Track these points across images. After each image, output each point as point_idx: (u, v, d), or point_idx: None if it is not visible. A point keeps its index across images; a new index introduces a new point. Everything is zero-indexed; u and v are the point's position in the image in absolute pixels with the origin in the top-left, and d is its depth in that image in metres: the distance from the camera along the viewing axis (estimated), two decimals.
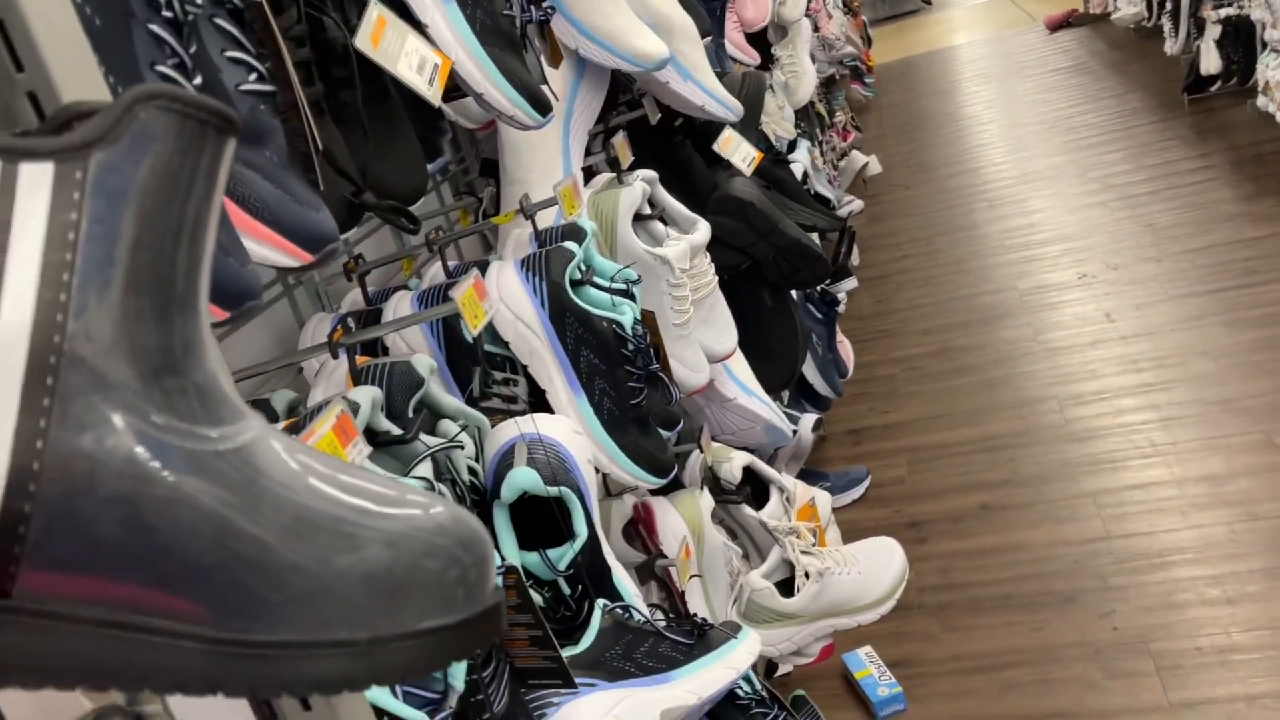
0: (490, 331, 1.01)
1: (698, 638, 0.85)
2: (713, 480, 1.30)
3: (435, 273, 1.09)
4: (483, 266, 1.09)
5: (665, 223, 1.21)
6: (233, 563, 0.33)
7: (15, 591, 0.32)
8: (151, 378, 0.33)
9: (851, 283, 2.34)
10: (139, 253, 0.33)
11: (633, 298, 1.02)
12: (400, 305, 0.99)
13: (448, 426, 0.85)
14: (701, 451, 1.27)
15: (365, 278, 1.07)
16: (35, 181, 0.32)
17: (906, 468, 2.32)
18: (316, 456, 0.37)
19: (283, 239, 0.51)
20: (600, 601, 0.82)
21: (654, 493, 1.28)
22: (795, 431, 1.83)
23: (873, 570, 1.31)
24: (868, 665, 1.74)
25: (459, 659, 0.37)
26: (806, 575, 1.27)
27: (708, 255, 1.20)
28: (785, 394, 1.94)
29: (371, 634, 0.35)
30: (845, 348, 2.28)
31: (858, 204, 3.48)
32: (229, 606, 0.33)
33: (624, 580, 0.87)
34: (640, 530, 1.24)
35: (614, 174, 1.20)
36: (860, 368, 2.60)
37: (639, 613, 0.85)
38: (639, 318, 1.00)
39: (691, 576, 1.13)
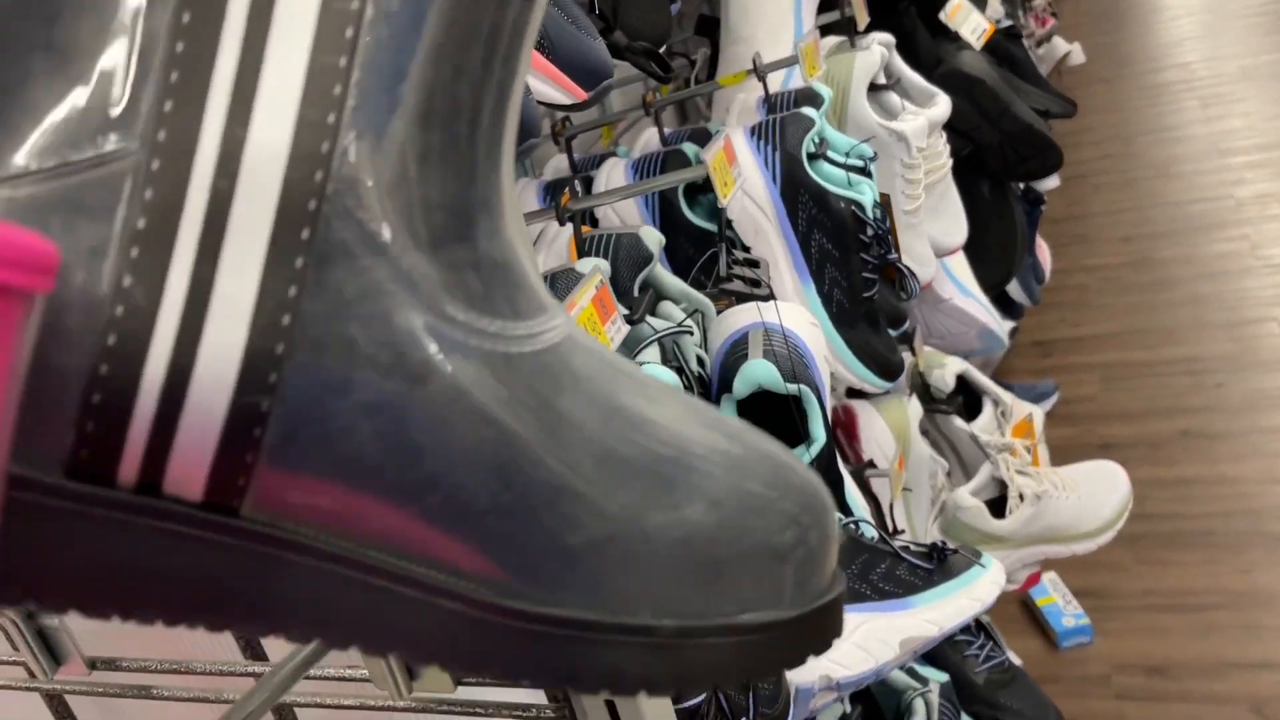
0: (705, 208, 0.92)
1: (937, 562, 0.76)
2: (921, 387, 1.19)
3: (646, 140, 0.99)
4: (697, 135, 0.98)
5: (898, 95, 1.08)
6: (516, 506, 0.25)
7: (244, 509, 0.24)
8: (436, 244, 0.24)
9: (1054, 181, 2.13)
10: (438, 66, 0.24)
11: (870, 176, 0.90)
12: (613, 173, 0.90)
13: (670, 309, 0.76)
14: (913, 355, 1.16)
15: (570, 142, 0.98)
16: None
17: (1099, 385, 2.14)
18: (624, 368, 0.28)
19: (558, 71, 0.42)
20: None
21: (852, 395, 1.18)
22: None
23: (1093, 496, 1.18)
24: (1052, 593, 1.63)
25: (785, 668, 0.27)
26: (1021, 497, 1.15)
27: (944, 135, 1.06)
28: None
29: (680, 622, 0.26)
30: (1044, 252, 2.10)
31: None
32: (506, 564, 0.25)
33: (855, 494, 0.78)
34: (840, 435, 1.15)
35: (843, 37, 1.07)
36: (1051, 275, 2.40)
37: (872, 530, 0.76)
38: (879, 200, 0.88)
39: (902, 490, 1.04)
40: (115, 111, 0.23)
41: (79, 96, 0.23)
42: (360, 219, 0.23)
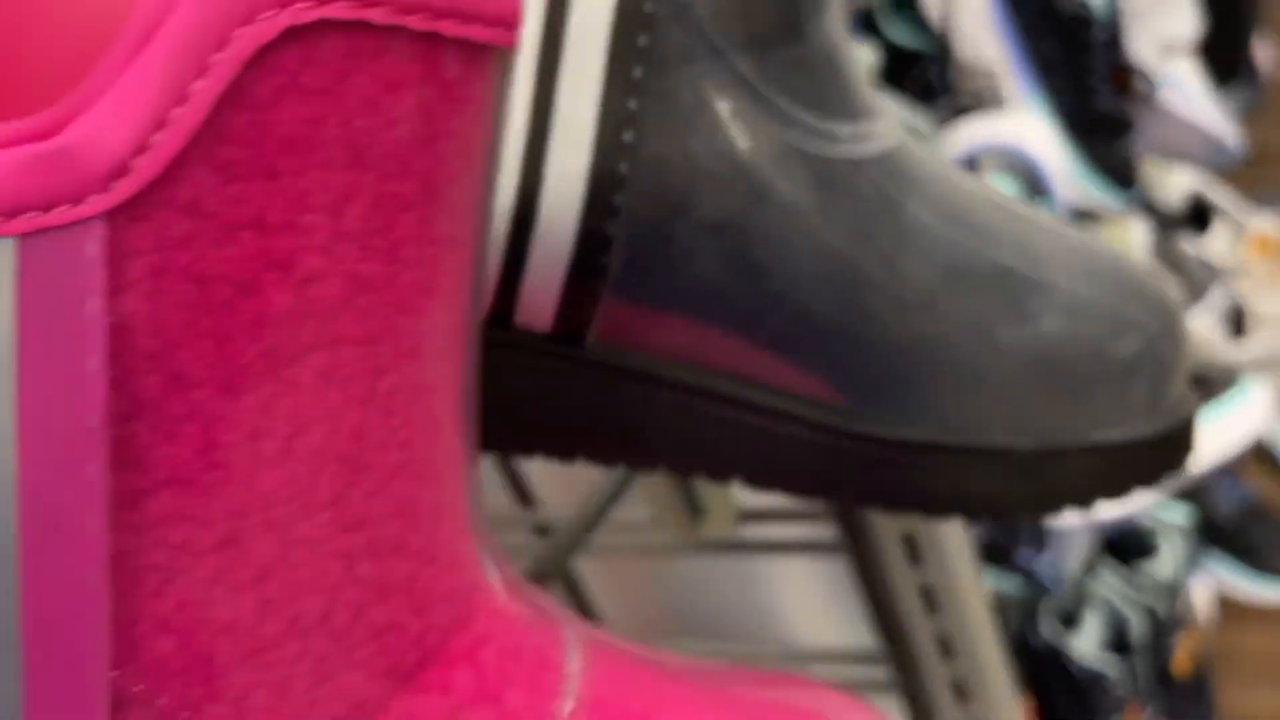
0: (908, 24, 0.85)
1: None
2: (1145, 204, 1.10)
3: None
4: None
5: None
6: (861, 324, 0.24)
7: (590, 339, 0.24)
8: (767, 41, 0.23)
9: None
10: None
11: None
12: None
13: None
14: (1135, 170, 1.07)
15: None
16: None
17: None
18: (958, 174, 0.27)
19: None
20: None
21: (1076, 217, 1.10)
22: None
23: None
24: None
25: (1144, 486, 0.26)
26: (1260, 320, 1.07)
27: None
28: None
29: (1039, 442, 0.25)
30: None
31: None
32: (851, 388, 0.24)
33: None
34: None
35: None
36: None
37: None
38: None
39: None
40: None
41: None
42: (696, 19, 0.22)
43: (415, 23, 0.14)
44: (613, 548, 0.43)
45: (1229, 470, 1.03)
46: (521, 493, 0.45)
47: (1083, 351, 0.25)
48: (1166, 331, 0.26)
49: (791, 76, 0.23)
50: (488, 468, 0.48)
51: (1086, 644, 0.79)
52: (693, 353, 0.24)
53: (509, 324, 0.24)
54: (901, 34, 0.84)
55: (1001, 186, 0.66)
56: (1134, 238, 1.04)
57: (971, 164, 0.69)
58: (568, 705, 0.17)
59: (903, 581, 0.40)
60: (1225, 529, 0.97)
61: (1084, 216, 1.05)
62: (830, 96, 0.24)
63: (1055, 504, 0.26)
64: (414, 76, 0.14)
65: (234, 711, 0.14)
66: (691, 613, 0.50)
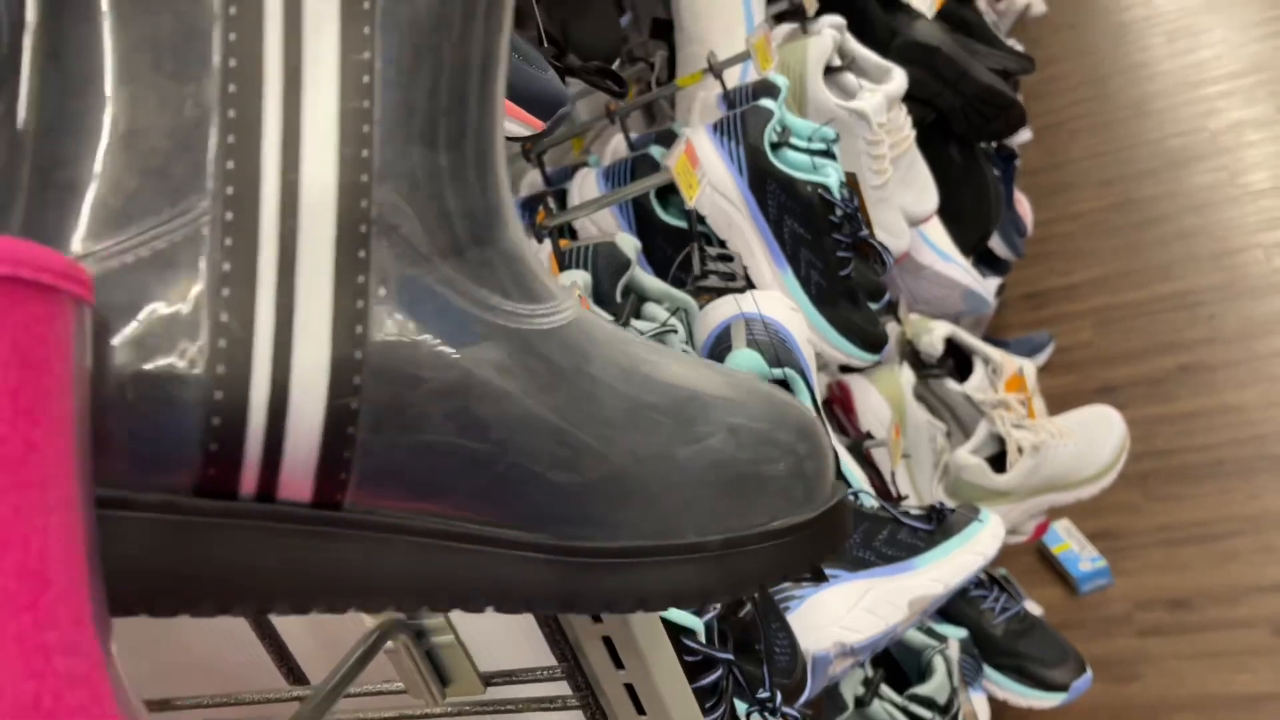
0: (679, 206, 0.95)
1: (937, 523, 0.78)
2: (912, 354, 1.22)
3: (615, 147, 1.02)
4: (663, 137, 1.01)
5: (854, 74, 1.10)
6: (572, 460, 0.29)
7: (346, 502, 0.27)
8: (461, 248, 0.28)
9: (1026, 134, 2.15)
10: (440, 97, 0.28)
11: (834, 158, 0.93)
12: (585, 184, 0.93)
13: (654, 310, 0.79)
14: (899, 324, 1.19)
15: (542, 157, 1.01)
16: (322, 16, 0.26)
17: (1093, 330, 2.17)
18: (631, 336, 0.32)
19: (513, 105, 0.45)
20: None
21: (847, 370, 1.21)
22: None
23: (1090, 441, 1.21)
24: (1066, 539, 1.65)
25: (815, 561, 0.32)
26: (1020, 450, 1.18)
27: (904, 107, 1.09)
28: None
29: (725, 536, 0.30)
30: (1024, 205, 2.12)
31: (1019, 49, 3.20)
32: (570, 512, 0.29)
33: (852, 466, 0.81)
34: (837, 410, 1.18)
35: (796, 24, 1.09)
36: (1035, 227, 2.42)
37: (871, 499, 0.79)
38: (844, 180, 0.91)
39: (902, 456, 1.07)
40: (185, 176, 0.26)
41: (150, 169, 0.26)
42: (403, 235, 0.27)
43: None
44: (376, 715, 0.46)
45: (1001, 587, 1.13)
46: (292, 671, 0.48)
47: (748, 459, 0.30)
48: (813, 440, 0.32)
49: (487, 272, 0.29)
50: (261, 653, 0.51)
51: None
52: (436, 501, 0.28)
53: (274, 498, 0.27)
54: (671, 216, 0.93)
55: (748, 359, 0.74)
56: (902, 383, 1.16)
57: (726, 335, 0.77)
58: None
59: None
60: (998, 643, 1.05)
61: (848, 370, 1.16)
62: (519, 286, 0.29)
63: (746, 585, 0.31)
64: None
65: None
66: None
